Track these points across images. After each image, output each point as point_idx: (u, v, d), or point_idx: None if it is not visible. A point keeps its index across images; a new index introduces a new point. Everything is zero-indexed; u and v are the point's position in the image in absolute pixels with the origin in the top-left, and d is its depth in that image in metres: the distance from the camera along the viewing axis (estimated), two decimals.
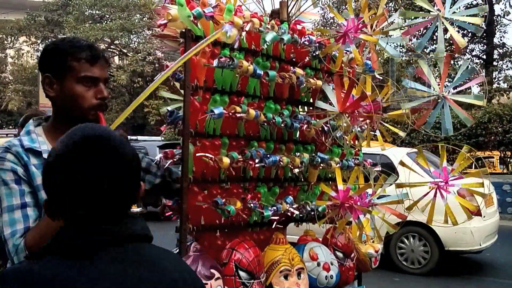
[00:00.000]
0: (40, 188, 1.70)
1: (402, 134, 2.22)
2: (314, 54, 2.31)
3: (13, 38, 32.62)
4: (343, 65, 2.31)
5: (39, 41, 32.04)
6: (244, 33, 2.02)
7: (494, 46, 19.64)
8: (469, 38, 17.00)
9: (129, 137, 2.28)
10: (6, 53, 34.64)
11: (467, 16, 2.05)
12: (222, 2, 2.06)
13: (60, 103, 1.80)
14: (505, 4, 18.94)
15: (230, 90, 2.12)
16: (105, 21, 30.13)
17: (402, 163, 2.19)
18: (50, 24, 31.59)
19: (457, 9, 2.00)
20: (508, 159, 16.60)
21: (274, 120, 2.16)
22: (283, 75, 2.20)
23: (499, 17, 19.57)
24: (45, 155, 1.73)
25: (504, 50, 20.61)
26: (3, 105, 29.72)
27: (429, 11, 2.09)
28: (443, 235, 7.02)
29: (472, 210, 2.00)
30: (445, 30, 1.97)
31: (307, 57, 2.35)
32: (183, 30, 1.93)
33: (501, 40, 20.71)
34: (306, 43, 2.27)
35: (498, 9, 19.50)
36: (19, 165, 1.72)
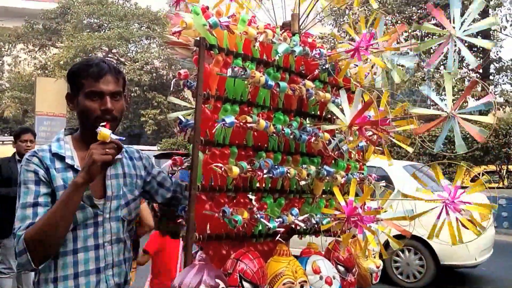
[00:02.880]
0: (59, 188, 1.94)
1: (410, 149, 2.22)
2: (324, 68, 2.32)
3: (10, 45, 32.67)
4: (351, 79, 2.32)
5: (36, 49, 32.07)
6: (257, 44, 2.03)
7: (490, 60, 19.72)
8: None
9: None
10: (3, 60, 34.73)
11: (478, 36, 2.06)
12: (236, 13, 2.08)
13: (78, 116, 2.04)
14: (501, 18, 19.07)
15: (240, 100, 2.13)
16: (103, 30, 30.23)
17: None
18: (48, 32, 31.67)
19: (467, 26, 2.01)
20: (504, 173, 16.60)
21: (283, 131, 2.17)
22: (294, 87, 2.21)
23: (495, 31, 19.69)
24: (67, 160, 1.99)
25: (501, 64, 20.71)
26: None
27: (440, 32, 2.10)
28: (439, 249, 6.97)
29: (479, 227, 2.00)
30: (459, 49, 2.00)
31: (316, 70, 2.36)
32: (197, 38, 1.93)
33: (497, 54, 20.84)
34: (317, 56, 2.28)
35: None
36: (41, 168, 1.94)
